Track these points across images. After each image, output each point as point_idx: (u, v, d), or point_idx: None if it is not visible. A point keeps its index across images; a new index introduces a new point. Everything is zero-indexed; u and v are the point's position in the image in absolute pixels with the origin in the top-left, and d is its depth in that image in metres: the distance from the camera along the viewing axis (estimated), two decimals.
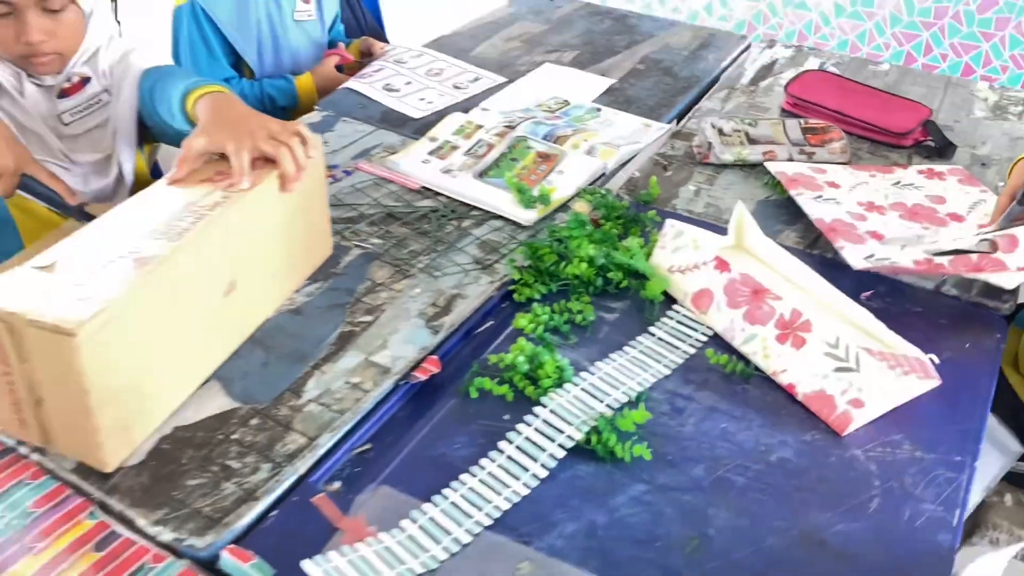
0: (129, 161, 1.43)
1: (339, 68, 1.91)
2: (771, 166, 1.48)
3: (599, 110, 1.68)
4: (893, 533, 0.88)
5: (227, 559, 0.83)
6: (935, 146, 1.59)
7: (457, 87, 1.77)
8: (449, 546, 0.84)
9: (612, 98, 1.75)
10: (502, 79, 1.80)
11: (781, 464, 0.96)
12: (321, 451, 0.94)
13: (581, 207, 1.36)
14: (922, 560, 0.85)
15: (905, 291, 1.23)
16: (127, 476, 0.90)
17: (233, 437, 0.95)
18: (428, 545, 0.84)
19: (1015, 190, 1.28)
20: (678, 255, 1.19)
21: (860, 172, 1.48)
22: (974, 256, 1.19)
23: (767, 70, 1.90)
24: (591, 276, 1.19)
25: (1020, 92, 1.85)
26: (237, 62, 1.86)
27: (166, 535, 0.85)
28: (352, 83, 1.78)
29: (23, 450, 0.93)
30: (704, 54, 1.97)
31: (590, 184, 1.44)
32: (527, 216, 1.34)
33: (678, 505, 0.90)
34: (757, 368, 1.07)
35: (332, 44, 1.99)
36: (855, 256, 1.22)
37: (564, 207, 1.38)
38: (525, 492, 0.90)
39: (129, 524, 0.86)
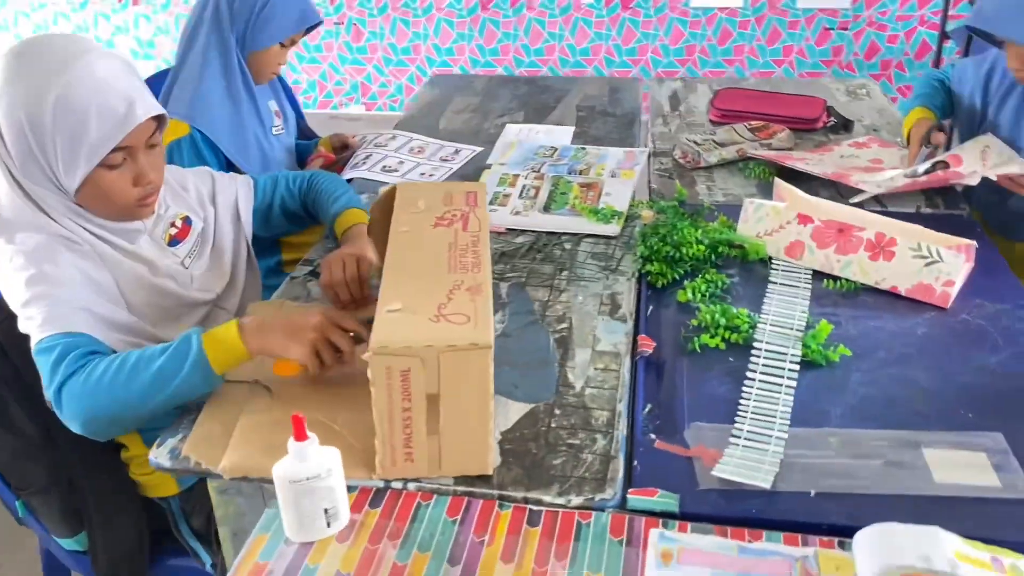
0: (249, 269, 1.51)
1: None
2: (757, 154, 1.87)
3: (584, 148, 1.99)
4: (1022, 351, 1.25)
5: (636, 499, 1.01)
6: (839, 124, 2.07)
7: (444, 160, 1.99)
8: (777, 443, 1.08)
9: (583, 139, 2.07)
10: (478, 147, 2.03)
11: (926, 335, 1.30)
12: (624, 416, 1.15)
13: (646, 215, 1.65)
14: None
15: (900, 216, 1.65)
16: (502, 474, 1.05)
17: (554, 426, 1.13)
18: (763, 447, 1.08)
19: (919, 138, 1.76)
20: (762, 223, 1.52)
21: (812, 154, 1.91)
22: (940, 172, 1.64)
23: (676, 99, 2.32)
24: (705, 253, 1.48)
25: (857, 78, 2.42)
26: None
27: (575, 500, 1.01)
28: (348, 174, 1.94)
29: (396, 485, 1.04)
30: (620, 96, 2.36)
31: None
32: (612, 229, 1.61)
33: (887, 376, 1.21)
34: (862, 283, 1.42)
35: (306, 150, 2.13)
36: (870, 185, 1.63)
37: (629, 218, 1.66)
38: (790, 399, 1.17)
39: (538, 502, 1.01)
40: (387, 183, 1.85)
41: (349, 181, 1.86)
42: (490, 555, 0.94)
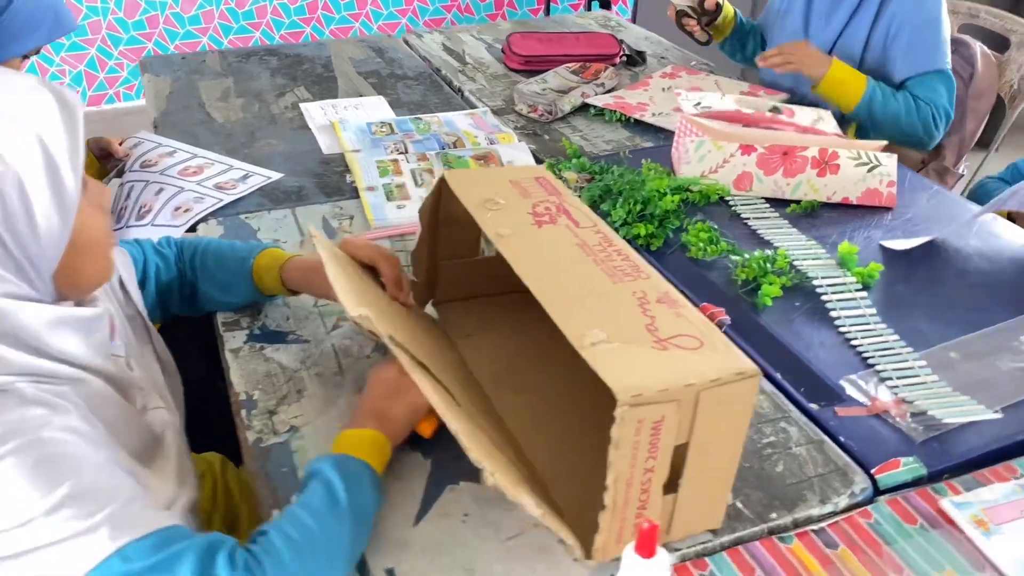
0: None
1: None
2: (596, 101, 1.80)
3: (419, 118, 1.72)
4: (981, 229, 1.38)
5: (887, 476, 0.91)
6: (632, 57, 2.07)
7: (220, 187, 1.48)
8: (924, 372, 1.06)
9: (403, 108, 1.79)
10: (278, 173, 1.52)
11: (910, 236, 1.37)
12: (780, 395, 1.03)
13: (571, 177, 1.48)
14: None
15: None
16: (746, 504, 0.87)
17: None
18: (920, 381, 1.04)
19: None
20: (704, 162, 1.45)
21: (640, 91, 1.88)
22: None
23: (455, 53, 2.12)
24: (677, 203, 1.38)
25: (604, 13, 2.45)
26: None
27: (842, 502, 0.88)
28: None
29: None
30: (392, 56, 2.09)
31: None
32: None
33: (925, 281, 1.25)
34: (817, 201, 1.44)
35: None
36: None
37: None
38: (886, 326, 1.14)
39: (808, 520, 0.86)
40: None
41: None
42: None
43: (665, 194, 1.38)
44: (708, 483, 0.81)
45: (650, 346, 0.77)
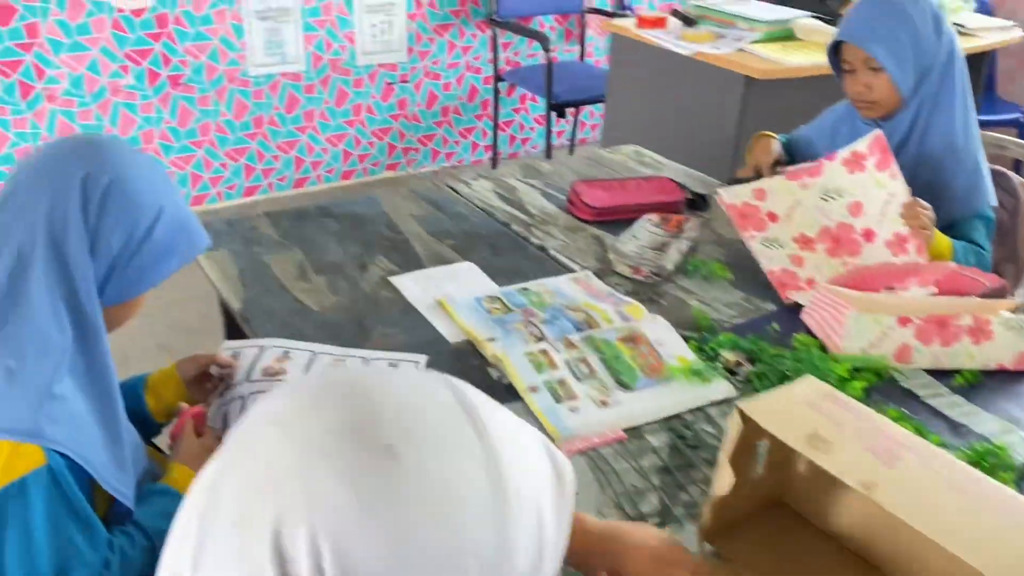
0: None
1: None
2: (722, 202, 1.71)
3: (526, 288, 1.62)
4: None
5: None
6: (695, 200, 2.04)
7: None
8: None
9: (499, 275, 1.68)
10: (421, 356, 1.41)
11: None
12: None
13: (729, 357, 1.42)
14: None
15: None
16: None
17: None
18: None
19: (758, 167, 1.85)
20: (863, 336, 1.42)
21: (791, 182, 1.68)
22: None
23: (513, 202, 2.04)
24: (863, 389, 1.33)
25: (635, 148, 2.43)
26: None
27: None
28: None
29: None
30: (453, 210, 1.99)
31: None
32: (726, 388, 1.35)
33: None
34: (979, 371, 1.43)
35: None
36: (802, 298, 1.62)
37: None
38: None
39: None
40: None
41: None
42: None
43: (849, 379, 1.33)
44: None
45: None
